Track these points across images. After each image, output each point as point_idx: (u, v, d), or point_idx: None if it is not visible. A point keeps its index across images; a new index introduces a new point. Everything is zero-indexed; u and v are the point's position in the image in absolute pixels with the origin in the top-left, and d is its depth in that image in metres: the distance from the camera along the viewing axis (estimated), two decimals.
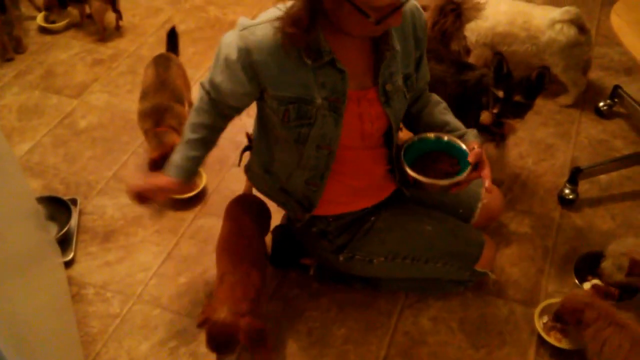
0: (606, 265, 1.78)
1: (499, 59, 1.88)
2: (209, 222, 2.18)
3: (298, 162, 1.60)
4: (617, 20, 2.01)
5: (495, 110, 1.90)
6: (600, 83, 2.64)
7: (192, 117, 1.65)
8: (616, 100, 2.47)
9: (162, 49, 2.55)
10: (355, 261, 1.76)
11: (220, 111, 1.63)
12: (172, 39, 2.54)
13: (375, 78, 1.53)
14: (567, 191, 2.16)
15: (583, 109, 2.53)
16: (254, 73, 1.47)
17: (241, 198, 1.90)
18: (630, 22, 2.00)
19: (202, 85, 1.62)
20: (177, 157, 1.65)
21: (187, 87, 2.49)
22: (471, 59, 2.55)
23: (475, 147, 1.56)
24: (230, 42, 1.47)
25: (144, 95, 2.32)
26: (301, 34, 1.39)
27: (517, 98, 1.87)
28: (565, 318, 1.68)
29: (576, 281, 1.91)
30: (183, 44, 2.68)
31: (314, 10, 1.37)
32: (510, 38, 2.44)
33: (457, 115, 1.73)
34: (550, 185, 2.22)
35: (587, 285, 1.89)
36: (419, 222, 1.75)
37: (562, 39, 2.33)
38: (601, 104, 2.49)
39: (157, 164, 2.07)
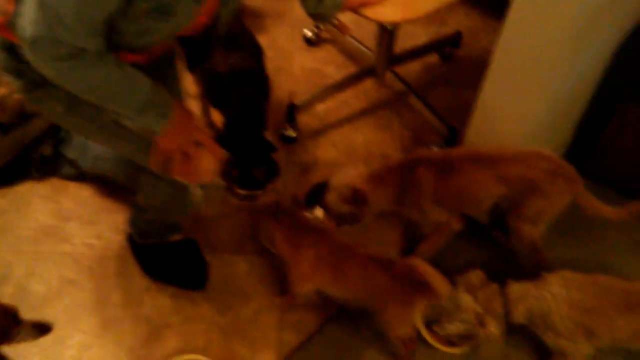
0: (330, 198, 1.80)
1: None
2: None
3: None
4: None
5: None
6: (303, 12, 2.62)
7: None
8: (321, 26, 2.49)
9: None
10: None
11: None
12: None
13: None
14: (287, 130, 2.15)
15: (292, 40, 2.51)
16: None
17: None
18: None
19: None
20: None
21: None
22: None
23: None
24: None
25: None
26: None
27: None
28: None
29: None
30: None
31: None
32: None
33: None
34: (272, 126, 2.18)
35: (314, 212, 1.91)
36: None
37: None
38: (309, 33, 2.49)
39: None
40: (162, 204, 1.65)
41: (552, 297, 1.49)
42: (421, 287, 1.46)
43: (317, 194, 1.92)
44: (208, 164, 1.38)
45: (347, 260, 1.57)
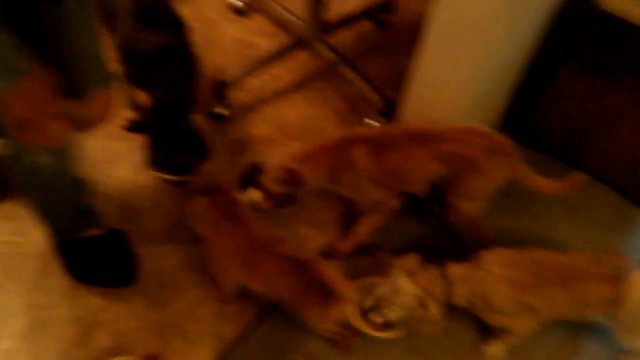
0: (265, 179, 1.73)
1: None
2: None
3: None
4: None
5: None
6: None
7: None
8: None
9: None
10: None
11: None
12: None
13: None
14: (218, 107, 2.04)
15: (219, 9, 2.37)
16: None
17: None
18: None
19: None
20: None
21: None
22: None
23: None
24: None
25: None
26: None
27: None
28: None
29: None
30: None
31: None
32: None
33: None
34: (202, 104, 2.06)
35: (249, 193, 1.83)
36: None
37: None
38: (237, 1, 2.36)
39: None
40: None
41: (489, 277, 1.47)
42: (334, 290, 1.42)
43: (252, 175, 1.85)
44: (57, 130, 1.31)
45: (262, 257, 1.49)
